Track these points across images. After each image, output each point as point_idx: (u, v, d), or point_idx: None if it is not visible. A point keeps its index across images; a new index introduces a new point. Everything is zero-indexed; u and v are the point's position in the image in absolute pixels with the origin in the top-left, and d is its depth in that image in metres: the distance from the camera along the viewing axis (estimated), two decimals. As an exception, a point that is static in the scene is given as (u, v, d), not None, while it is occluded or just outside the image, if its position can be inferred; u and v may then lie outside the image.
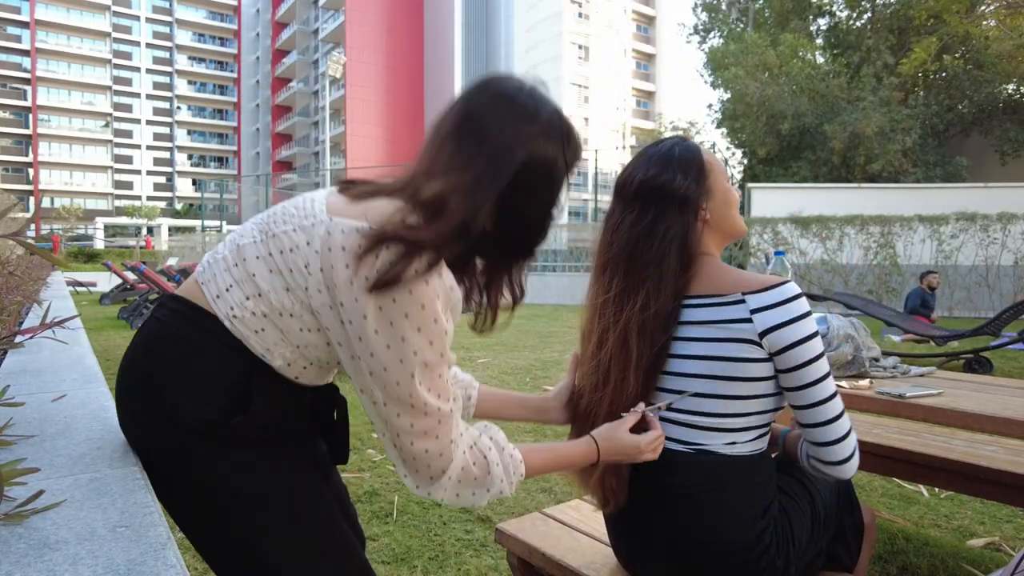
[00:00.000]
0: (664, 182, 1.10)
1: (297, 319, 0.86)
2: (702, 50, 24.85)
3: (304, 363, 0.90)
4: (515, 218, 0.94)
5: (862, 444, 2.06)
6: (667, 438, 1.11)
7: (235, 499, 0.87)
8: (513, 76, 0.95)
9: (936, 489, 2.66)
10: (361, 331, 0.81)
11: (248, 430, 0.87)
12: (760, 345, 1.03)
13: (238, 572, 0.90)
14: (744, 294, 1.05)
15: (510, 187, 0.89)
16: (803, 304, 1.03)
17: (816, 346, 1.04)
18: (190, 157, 68.56)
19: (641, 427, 1.10)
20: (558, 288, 13.56)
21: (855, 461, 1.09)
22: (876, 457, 2.09)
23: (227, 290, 0.87)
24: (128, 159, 64.79)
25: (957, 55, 19.30)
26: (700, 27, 25.45)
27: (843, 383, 1.75)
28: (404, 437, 0.85)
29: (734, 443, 1.08)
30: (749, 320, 1.03)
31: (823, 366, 1.05)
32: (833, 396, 1.06)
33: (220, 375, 0.86)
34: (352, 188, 0.90)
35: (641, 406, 1.10)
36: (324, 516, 0.93)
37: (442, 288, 0.83)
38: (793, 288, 1.04)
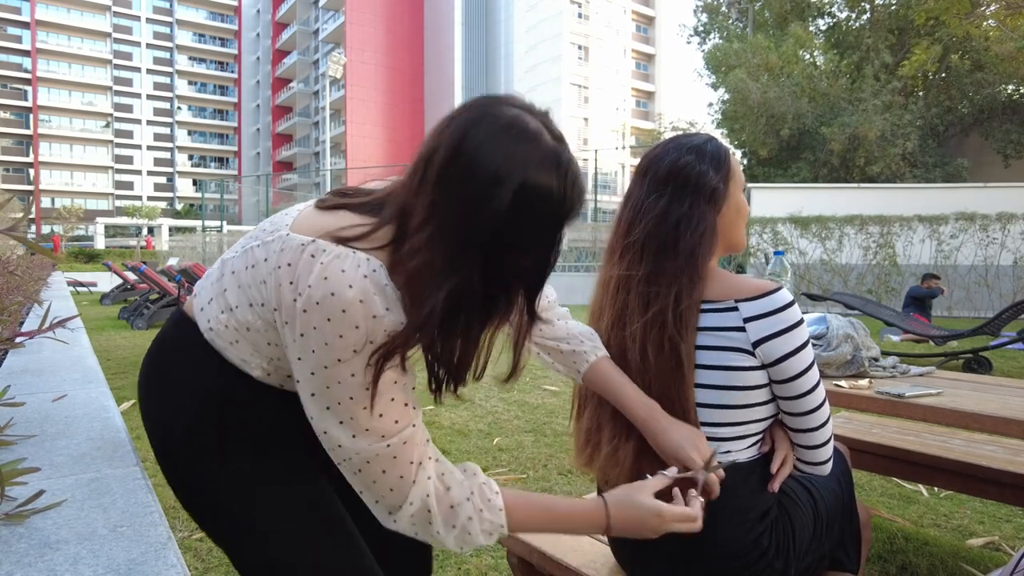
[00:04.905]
0: (700, 172, 1.08)
1: (263, 334, 0.83)
2: (702, 51, 24.83)
3: (284, 373, 0.87)
4: (504, 262, 0.78)
5: (862, 444, 2.09)
6: None
7: (214, 504, 0.88)
8: (516, 99, 0.80)
9: (935, 489, 2.65)
10: (301, 350, 0.76)
11: (226, 438, 0.87)
12: (753, 355, 1.02)
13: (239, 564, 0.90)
14: (737, 301, 1.03)
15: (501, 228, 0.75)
16: (795, 312, 1.02)
17: (808, 355, 1.03)
18: (191, 157, 68.57)
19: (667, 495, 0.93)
20: (557, 289, 13.49)
21: (832, 461, 1.14)
22: (875, 457, 2.10)
23: (209, 303, 0.87)
24: (129, 159, 64.79)
25: (957, 55, 19.25)
26: (700, 28, 25.43)
27: (843, 383, 1.75)
28: (356, 460, 0.79)
29: (729, 452, 1.08)
30: (742, 329, 1.02)
31: (814, 375, 1.05)
32: (823, 403, 1.07)
33: (202, 385, 0.87)
34: (331, 199, 0.84)
35: (673, 470, 0.97)
36: (316, 518, 0.89)
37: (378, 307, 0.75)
38: (785, 296, 1.03)
